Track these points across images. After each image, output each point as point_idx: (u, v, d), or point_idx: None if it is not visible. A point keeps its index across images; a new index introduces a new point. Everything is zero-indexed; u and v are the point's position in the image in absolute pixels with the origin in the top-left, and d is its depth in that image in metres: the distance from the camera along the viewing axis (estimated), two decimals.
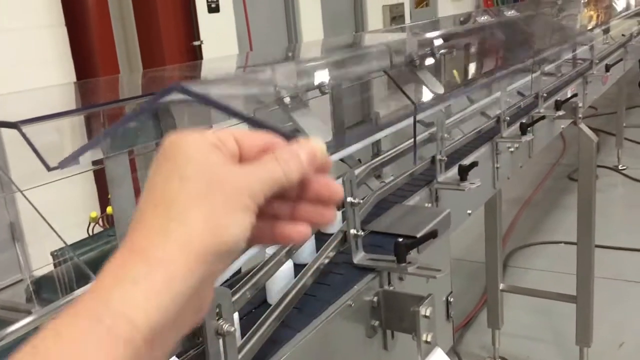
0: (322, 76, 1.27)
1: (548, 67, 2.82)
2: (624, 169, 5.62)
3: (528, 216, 4.88)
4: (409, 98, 1.35)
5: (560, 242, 4.30)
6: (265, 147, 0.49)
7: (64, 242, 0.68)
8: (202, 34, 4.92)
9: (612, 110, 6.09)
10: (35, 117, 0.63)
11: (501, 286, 3.09)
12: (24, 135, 0.61)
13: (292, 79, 1.19)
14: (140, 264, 0.42)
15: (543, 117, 2.31)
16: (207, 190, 0.45)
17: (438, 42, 1.80)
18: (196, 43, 4.85)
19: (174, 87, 0.58)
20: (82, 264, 0.68)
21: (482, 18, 2.45)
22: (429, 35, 1.77)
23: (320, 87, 1.19)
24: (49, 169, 0.60)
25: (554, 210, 4.93)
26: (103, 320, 0.40)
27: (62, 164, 0.60)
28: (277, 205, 0.51)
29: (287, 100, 0.98)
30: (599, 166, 5.53)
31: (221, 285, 1.12)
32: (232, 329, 0.81)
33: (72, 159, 0.59)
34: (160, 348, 0.43)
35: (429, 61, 1.75)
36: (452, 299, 1.56)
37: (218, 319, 0.82)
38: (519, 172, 2.43)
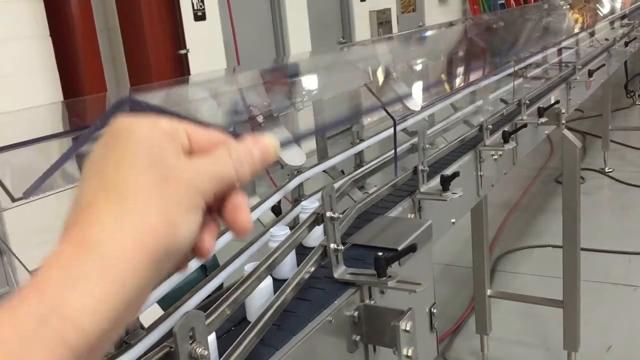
0: (300, 92, 1.27)
1: (531, 73, 2.83)
2: (610, 172, 5.65)
3: (516, 220, 4.90)
4: (388, 113, 1.35)
5: (548, 246, 4.32)
6: (216, 142, 0.47)
7: (27, 270, 0.67)
8: (188, 43, 4.91)
9: (598, 112, 6.13)
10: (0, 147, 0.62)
11: (489, 292, 3.09)
12: None
13: (267, 97, 1.19)
14: (93, 261, 0.38)
15: (525, 125, 2.31)
16: (162, 183, 0.42)
17: (420, 52, 1.80)
18: (182, 52, 4.84)
19: (125, 101, 0.58)
20: None
21: (466, 26, 2.46)
22: (412, 46, 1.77)
23: (296, 103, 1.20)
24: (13, 199, 0.59)
25: (541, 213, 4.95)
26: (49, 323, 0.36)
27: (26, 194, 0.59)
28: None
29: (260, 119, 0.99)
30: (585, 169, 5.57)
31: (200, 303, 1.11)
32: (206, 352, 0.81)
33: (34, 188, 0.59)
34: (99, 351, 0.40)
35: (411, 72, 1.76)
36: (435, 310, 1.56)
37: (191, 343, 0.81)
38: (505, 177, 2.44)
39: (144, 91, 1.64)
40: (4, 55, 3.98)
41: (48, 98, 4.23)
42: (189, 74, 4.93)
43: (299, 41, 6.87)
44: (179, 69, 4.90)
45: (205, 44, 5.35)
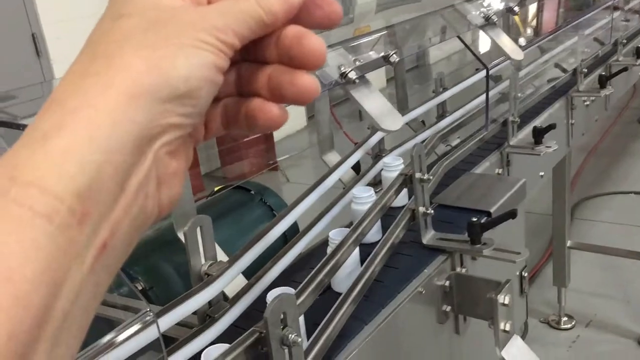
0: (386, 47, 1.15)
1: (629, 5, 2.58)
2: None
3: (595, 165, 4.65)
4: (479, 59, 1.22)
5: (630, 192, 4.09)
6: None
7: None
8: None
9: None
10: None
11: (568, 243, 2.95)
12: None
13: (351, 54, 1.08)
14: (53, 116, 0.33)
15: (625, 69, 2.11)
16: (146, 25, 0.36)
17: None
18: None
19: None
20: None
21: None
22: None
23: (385, 59, 1.09)
24: None
25: (623, 157, 4.68)
26: (8, 194, 0.30)
27: None
28: (254, 74, 0.40)
29: (349, 78, 0.89)
30: None
31: (281, 286, 1.05)
32: (299, 339, 0.74)
33: None
34: (106, 229, 0.33)
35: (502, 18, 1.60)
36: (525, 274, 1.47)
37: (283, 328, 0.75)
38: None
39: None
40: (72, 32, 4.04)
41: None
42: None
43: None
44: None
45: None
